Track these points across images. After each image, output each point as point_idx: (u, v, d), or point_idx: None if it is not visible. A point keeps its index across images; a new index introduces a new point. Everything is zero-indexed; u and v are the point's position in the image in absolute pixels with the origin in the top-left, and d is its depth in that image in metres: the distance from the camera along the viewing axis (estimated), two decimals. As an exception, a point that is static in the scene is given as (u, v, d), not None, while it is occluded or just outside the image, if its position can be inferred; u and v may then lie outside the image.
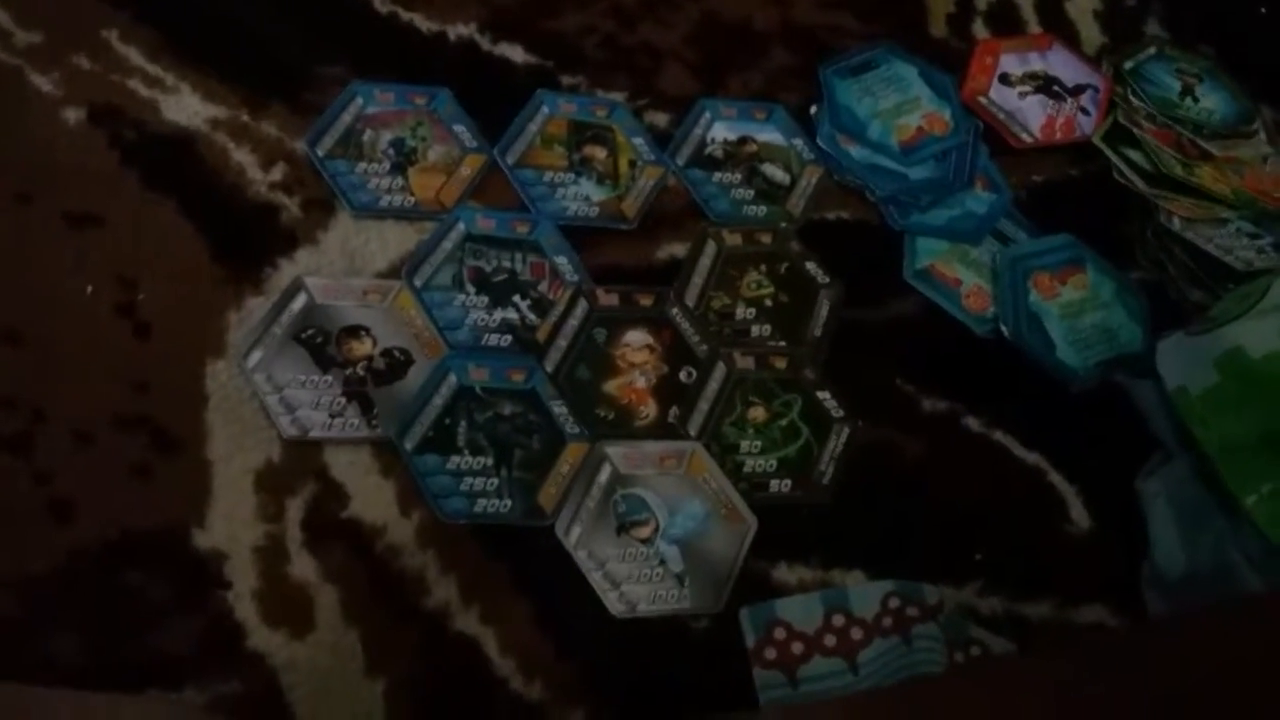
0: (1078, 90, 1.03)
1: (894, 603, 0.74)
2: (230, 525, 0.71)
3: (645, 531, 0.76)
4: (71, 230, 0.79)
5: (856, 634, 0.73)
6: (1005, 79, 1.03)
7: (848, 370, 0.84)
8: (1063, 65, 1.05)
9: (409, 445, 0.75)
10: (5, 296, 0.76)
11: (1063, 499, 0.83)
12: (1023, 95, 1.02)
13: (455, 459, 0.75)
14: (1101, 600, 0.79)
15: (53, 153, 0.81)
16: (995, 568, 0.79)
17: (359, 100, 0.88)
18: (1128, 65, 1.06)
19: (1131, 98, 1.02)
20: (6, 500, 0.70)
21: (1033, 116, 1.01)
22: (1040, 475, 0.84)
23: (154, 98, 0.85)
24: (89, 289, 0.77)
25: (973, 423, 0.85)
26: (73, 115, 0.83)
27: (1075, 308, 0.90)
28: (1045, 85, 1.03)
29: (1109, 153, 0.99)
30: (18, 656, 0.66)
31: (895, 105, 0.98)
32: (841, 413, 0.82)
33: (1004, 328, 0.88)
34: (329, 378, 0.76)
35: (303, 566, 0.71)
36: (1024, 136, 1.00)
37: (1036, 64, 1.05)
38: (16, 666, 0.65)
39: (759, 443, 0.80)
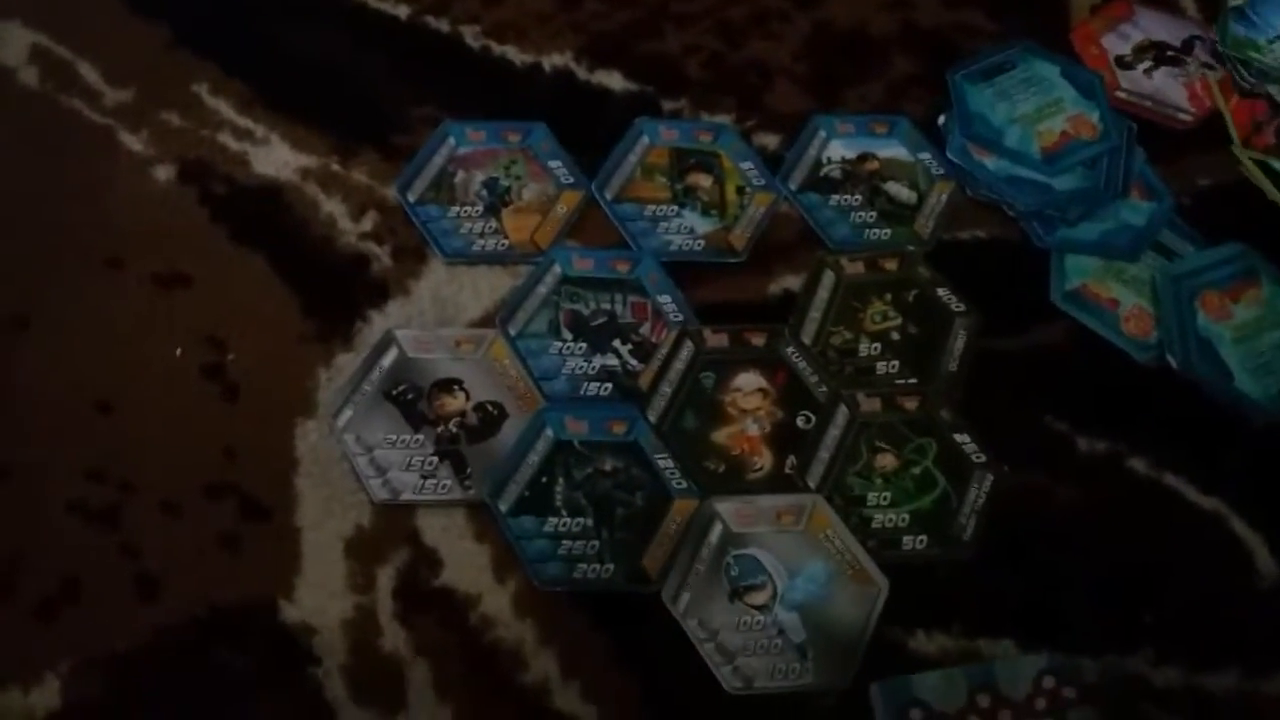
0: (1186, 47, 0.95)
1: (1048, 682, 0.67)
2: (319, 597, 0.70)
3: (762, 597, 0.71)
4: (161, 292, 0.79)
5: (1005, 717, 0.66)
6: (1121, 62, 0.94)
7: (989, 409, 0.78)
8: (1155, 25, 0.96)
9: (503, 507, 0.72)
10: (97, 365, 0.77)
11: (1247, 549, 0.74)
12: (1147, 73, 0.93)
13: (553, 520, 0.72)
14: (1299, 669, 0.71)
15: (142, 214, 0.83)
16: (1169, 632, 0.71)
17: (450, 140, 0.86)
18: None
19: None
20: (94, 576, 0.70)
21: (1174, 92, 0.92)
22: (1220, 523, 0.75)
23: (244, 150, 0.85)
24: (178, 351, 0.77)
25: (1138, 465, 0.77)
26: (163, 173, 0.84)
27: (1251, 328, 0.81)
28: (1160, 54, 0.95)
29: None
30: (105, 738, 0.66)
31: (1036, 109, 0.91)
32: (983, 458, 0.76)
33: (1170, 357, 0.79)
34: (420, 436, 0.74)
35: (394, 639, 0.69)
36: (1182, 116, 0.91)
37: (1134, 35, 0.96)
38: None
39: (888, 494, 0.75)
